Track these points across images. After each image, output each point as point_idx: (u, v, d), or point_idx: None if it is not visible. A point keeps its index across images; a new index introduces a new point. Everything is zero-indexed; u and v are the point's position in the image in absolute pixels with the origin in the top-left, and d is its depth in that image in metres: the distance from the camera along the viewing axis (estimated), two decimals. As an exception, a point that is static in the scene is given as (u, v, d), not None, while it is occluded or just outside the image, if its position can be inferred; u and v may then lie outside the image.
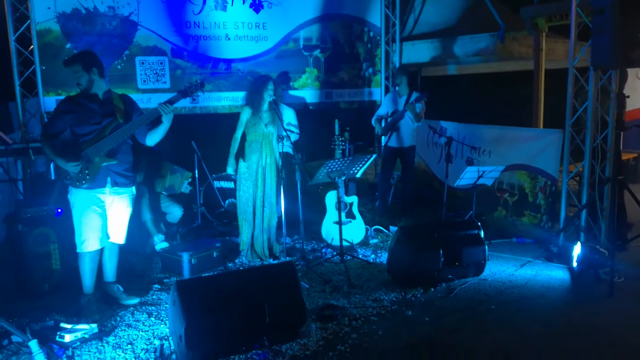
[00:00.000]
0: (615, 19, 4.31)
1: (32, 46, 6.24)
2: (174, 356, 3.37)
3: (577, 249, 4.72)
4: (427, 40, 8.40)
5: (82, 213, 3.91)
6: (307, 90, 7.51)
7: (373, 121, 6.65)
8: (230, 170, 5.30)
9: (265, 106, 5.13)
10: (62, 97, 6.13)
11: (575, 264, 4.71)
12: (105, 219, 4.02)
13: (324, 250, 5.47)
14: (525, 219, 5.98)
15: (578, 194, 5.51)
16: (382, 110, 6.63)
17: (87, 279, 4.01)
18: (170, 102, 3.94)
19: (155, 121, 4.00)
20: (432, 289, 4.44)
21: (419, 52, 8.45)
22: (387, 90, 7.88)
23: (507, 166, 5.79)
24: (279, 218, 5.31)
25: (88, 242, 3.94)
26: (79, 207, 3.92)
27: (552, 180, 5.62)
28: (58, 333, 3.53)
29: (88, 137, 3.87)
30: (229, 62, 7.00)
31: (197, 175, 6.21)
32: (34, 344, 3.19)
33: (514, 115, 8.47)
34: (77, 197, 3.91)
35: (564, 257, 4.99)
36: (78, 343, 3.51)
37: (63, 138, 3.93)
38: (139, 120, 3.93)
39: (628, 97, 5.02)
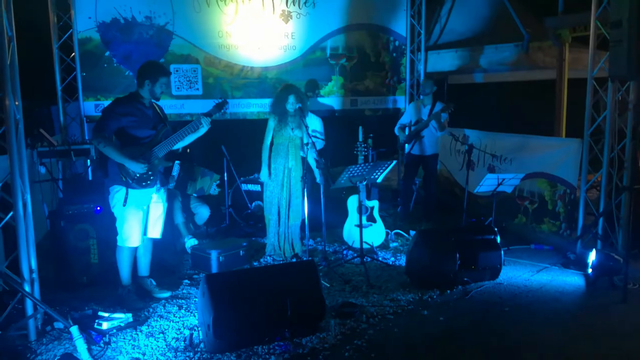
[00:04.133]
0: (633, 31, 4.42)
1: (73, 53, 6.62)
2: (202, 345, 3.62)
3: (592, 256, 4.80)
4: (452, 50, 8.53)
5: (131, 211, 4.14)
6: (333, 98, 7.75)
7: (396, 129, 6.84)
8: (264, 177, 5.39)
9: (291, 112, 5.32)
10: (101, 102, 6.62)
11: (590, 271, 4.79)
12: (146, 216, 4.30)
13: (344, 252, 5.67)
14: (544, 226, 6.08)
15: (596, 203, 5.58)
16: (404, 119, 6.82)
17: (126, 271, 4.28)
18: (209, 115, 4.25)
19: None
20: (449, 291, 4.59)
21: (444, 61, 8.59)
22: (411, 99, 8.06)
23: (527, 174, 5.90)
24: (303, 219, 5.50)
25: (132, 238, 4.20)
26: (130, 205, 4.11)
27: (571, 188, 5.72)
28: (96, 321, 3.81)
29: (145, 140, 4.14)
30: (258, 70, 7.29)
31: (226, 178, 6.49)
32: (75, 330, 3.45)
33: (537, 123, 8.51)
34: (130, 196, 4.08)
35: (580, 264, 5.08)
36: (114, 330, 3.79)
37: (120, 140, 4.10)
38: (185, 130, 4.20)
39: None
